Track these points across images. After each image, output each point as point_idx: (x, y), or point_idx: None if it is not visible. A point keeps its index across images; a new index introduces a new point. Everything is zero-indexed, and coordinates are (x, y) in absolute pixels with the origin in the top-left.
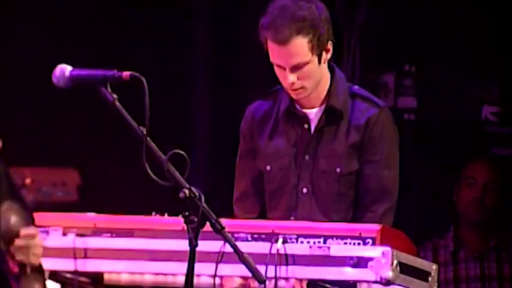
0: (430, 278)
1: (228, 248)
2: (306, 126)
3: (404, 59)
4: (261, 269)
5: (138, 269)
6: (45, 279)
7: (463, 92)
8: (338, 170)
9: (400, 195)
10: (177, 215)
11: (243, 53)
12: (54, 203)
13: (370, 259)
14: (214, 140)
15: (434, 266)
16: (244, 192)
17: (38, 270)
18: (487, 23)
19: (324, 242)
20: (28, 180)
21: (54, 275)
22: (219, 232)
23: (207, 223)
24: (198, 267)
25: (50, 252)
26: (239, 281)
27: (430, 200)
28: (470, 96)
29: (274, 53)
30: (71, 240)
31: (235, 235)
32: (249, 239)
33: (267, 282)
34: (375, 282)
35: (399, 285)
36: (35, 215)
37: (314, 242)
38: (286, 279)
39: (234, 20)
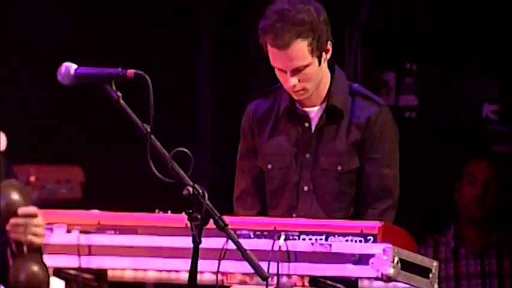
0: (430, 275)
1: (231, 245)
2: (306, 124)
3: (406, 58)
4: (264, 265)
5: (142, 266)
6: (44, 262)
7: (463, 90)
8: (339, 168)
9: (401, 193)
10: (180, 212)
11: (244, 52)
12: (58, 200)
13: (372, 256)
14: (217, 137)
15: (435, 263)
16: (245, 190)
17: (37, 251)
18: (487, 23)
19: (326, 239)
20: (33, 178)
21: (59, 272)
22: (222, 229)
23: (211, 220)
24: (201, 263)
25: (54, 249)
26: (240, 277)
27: (431, 197)
28: (471, 95)
29: (275, 57)
30: (75, 237)
31: (238, 232)
32: (252, 236)
33: (270, 279)
34: (376, 278)
35: (400, 281)
36: (40, 212)
37: (316, 239)
38: (289, 275)
39: (235, 19)
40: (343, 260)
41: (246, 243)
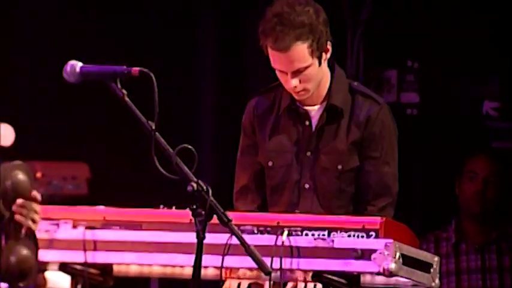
0: (432, 270)
1: (235, 240)
2: (307, 123)
3: (407, 56)
4: (267, 260)
5: (147, 261)
6: (37, 249)
7: (464, 87)
8: (339, 167)
9: (402, 189)
10: (184, 208)
11: (246, 51)
12: (64, 197)
13: (374, 251)
14: (218, 135)
15: (436, 258)
16: (245, 185)
17: (31, 237)
18: (486, 23)
19: (328, 235)
20: (39, 174)
21: (65, 267)
22: (225, 225)
23: (214, 216)
24: (205, 259)
25: (60, 244)
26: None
27: (432, 193)
28: (471, 92)
29: (275, 59)
30: (80, 233)
31: (242, 228)
32: (255, 231)
33: (273, 274)
34: (378, 273)
35: (402, 276)
36: (46, 208)
37: (318, 235)
38: (292, 270)
39: (236, 19)
40: (345, 255)
41: (249, 239)
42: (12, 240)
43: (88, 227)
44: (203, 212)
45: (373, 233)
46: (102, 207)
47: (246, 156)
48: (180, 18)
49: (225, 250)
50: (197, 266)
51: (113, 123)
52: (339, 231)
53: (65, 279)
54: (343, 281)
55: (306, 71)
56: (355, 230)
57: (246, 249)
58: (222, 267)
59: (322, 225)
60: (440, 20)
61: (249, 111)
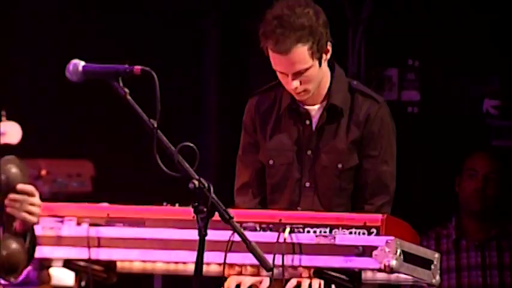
0: (432, 266)
1: (237, 237)
2: (307, 122)
3: (408, 55)
4: (269, 257)
5: (150, 258)
6: (29, 245)
7: (464, 86)
8: (339, 165)
9: (403, 186)
10: (187, 205)
11: (251, 49)
12: (69, 194)
13: (375, 248)
14: (222, 133)
15: (437, 255)
16: (247, 182)
17: (27, 231)
18: (486, 23)
19: (330, 232)
20: (44, 172)
21: (69, 263)
22: (227, 222)
23: (216, 213)
24: (208, 255)
25: (64, 241)
26: (238, 268)
27: (433, 190)
28: (472, 90)
29: (276, 61)
30: (85, 230)
31: (244, 225)
32: (257, 228)
33: (275, 270)
34: (379, 270)
35: (403, 273)
36: (50, 205)
37: (320, 232)
38: (293, 267)
39: (241, 17)
40: (347, 252)
41: (251, 236)
42: (6, 234)
43: (92, 224)
44: (205, 209)
45: (374, 230)
46: (106, 204)
47: (247, 154)
48: (183, 18)
49: (227, 247)
50: (199, 262)
51: (116, 122)
52: (340, 228)
53: (69, 276)
54: (344, 277)
55: (307, 73)
56: (357, 227)
57: (247, 246)
58: (224, 263)
59: (324, 222)
60: (441, 19)
61: (250, 110)
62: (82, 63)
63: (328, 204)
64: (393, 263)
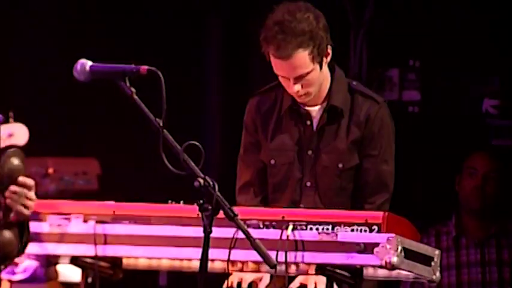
0: (433, 263)
1: (241, 235)
2: (308, 123)
3: (409, 55)
4: (272, 254)
5: (155, 254)
6: (24, 237)
7: (464, 87)
8: (340, 165)
9: (404, 185)
10: (192, 203)
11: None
12: (75, 192)
13: (376, 245)
14: (225, 133)
15: (437, 252)
16: (248, 182)
17: (21, 223)
18: (486, 23)
19: (332, 229)
20: (51, 170)
21: (76, 260)
22: (232, 219)
23: (221, 211)
24: (212, 252)
25: (71, 238)
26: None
27: (433, 189)
28: (472, 90)
29: (278, 66)
30: (91, 227)
31: (248, 222)
32: (261, 225)
33: (278, 267)
34: (381, 267)
35: (403, 269)
36: (57, 202)
37: (323, 229)
38: (296, 264)
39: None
40: (348, 249)
41: (255, 233)
42: (2, 223)
43: (98, 221)
44: (210, 207)
45: (375, 227)
46: (112, 202)
47: (248, 154)
48: (184, 18)
49: (232, 244)
50: (204, 259)
51: (122, 121)
52: (342, 226)
53: (76, 272)
54: (346, 273)
55: (308, 76)
56: (358, 225)
57: (251, 243)
58: (228, 260)
59: (326, 219)
60: (441, 19)
61: (251, 110)
62: (89, 63)
63: (328, 203)
64: (394, 259)
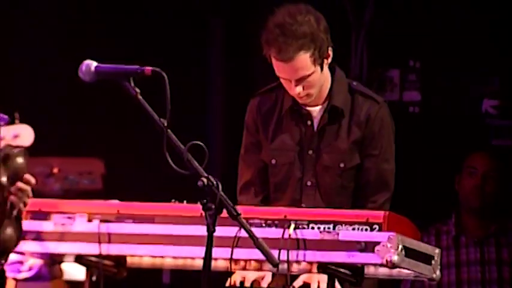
0: (433, 262)
1: (244, 233)
2: (309, 123)
3: (409, 56)
4: (275, 253)
5: (159, 253)
6: (20, 231)
7: (464, 87)
8: (342, 165)
9: (404, 184)
10: (195, 202)
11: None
12: (80, 191)
13: (377, 244)
14: (228, 133)
15: (437, 250)
16: (249, 181)
17: (19, 218)
18: (486, 23)
19: (334, 228)
20: (56, 170)
21: (80, 258)
22: (235, 218)
23: (224, 210)
24: (215, 251)
25: (76, 237)
26: (243, 263)
27: (433, 188)
28: (472, 91)
29: (279, 68)
30: (95, 226)
31: (250, 221)
32: (263, 224)
33: (280, 266)
34: (381, 265)
35: (404, 268)
36: (62, 202)
37: (324, 228)
38: (298, 262)
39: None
40: (350, 248)
41: (257, 232)
42: (5, 220)
43: (102, 220)
44: (213, 206)
45: (376, 226)
46: (116, 201)
47: (249, 154)
48: (188, 18)
49: (235, 243)
50: (207, 258)
51: (126, 121)
52: (343, 225)
53: (80, 271)
54: (347, 272)
55: (309, 78)
56: (359, 223)
57: (254, 242)
58: (231, 259)
59: (328, 218)
60: (441, 20)
61: (252, 110)
62: (94, 63)
63: (329, 202)
64: (395, 258)
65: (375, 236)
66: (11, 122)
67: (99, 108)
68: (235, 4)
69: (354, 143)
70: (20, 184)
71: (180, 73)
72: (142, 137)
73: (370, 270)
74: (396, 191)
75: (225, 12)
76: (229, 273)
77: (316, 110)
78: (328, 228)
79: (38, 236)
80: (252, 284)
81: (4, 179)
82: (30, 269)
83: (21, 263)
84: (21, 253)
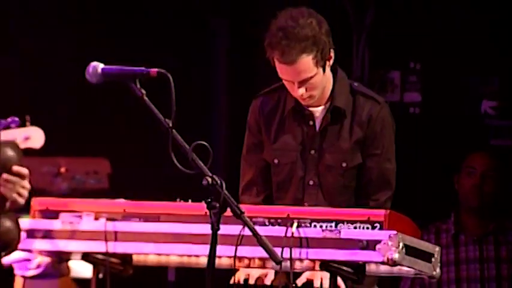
0: (433, 259)
1: (247, 232)
2: (311, 123)
3: (410, 57)
4: (278, 251)
5: (164, 251)
6: (18, 222)
7: (464, 87)
8: (344, 164)
9: (405, 183)
10: (200, 201)
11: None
12: (87, 190)
13: (378, 242)
14: (232, 133)
15: (437, 248)
16: (251, 180)
17: (16, 210)
18: (486, 23)
19: (336, 226)
20: (63, 169)
21: (87, 256)
22: (239, 217)
23: (228, 208)
24: (220, 249)
25: (83, 235)
26: (247, 261)
27: (433, 187)
28: (471, 92)
29: (282, 70)
30: (102, 224)
31: (254, 219)
32: (267, 223)
33: (283, 263)
34: (383, 263)
35: (405, 266)
36: (69, 200)
37: (326, 226)
38: (301, 260)
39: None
40: (351, 246)
41: (261, 230)
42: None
43: (109, 219)
44: (217, 205)
45: (377, 225)
46: (122, 200)
47: (251, 154)
48: (193, 19)
49: (238, 241)
50: (212, 255)
51: (131, 121)
52: (345, 223)
53: (87, 268)
54: (349, 269)
55: (312, 80)
56: (361, 222)
57: (258, 240)
58: (235, 256)
59: (330, 217)
60: (441, 20)
61: (255, 111)
62: (101, 65)
63: (331, 201)
64: (396, 256)
65: (376, 234)
66: (22, 124)
67: (105, 108)
68: (236, 4)
69: (356, 142)
70: (5, 175)
71: (184, 74)
72: (148, 138)
73: (371, 268)
74: (397, 190)
75: (225, 12)
76: (233, 271)
77: (318, 111)
78: (330, 226)
79: (46, 234)
80: (255, 281)
81: None
82: (38, 266)
83: (29, 260)
84: (29, 251)
